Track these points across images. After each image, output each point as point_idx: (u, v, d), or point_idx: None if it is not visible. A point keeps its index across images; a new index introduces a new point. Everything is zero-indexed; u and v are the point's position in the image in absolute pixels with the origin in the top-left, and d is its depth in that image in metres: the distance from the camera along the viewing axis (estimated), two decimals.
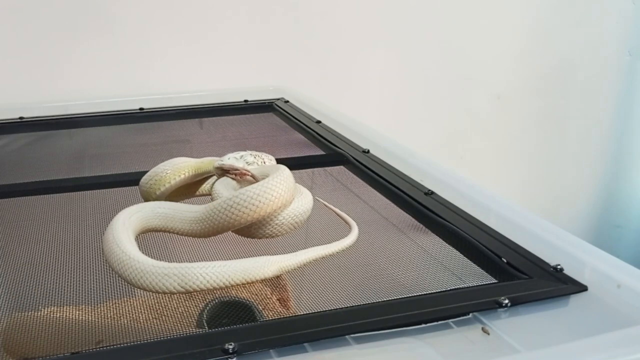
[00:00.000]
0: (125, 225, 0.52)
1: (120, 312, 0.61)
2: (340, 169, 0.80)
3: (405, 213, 0.67)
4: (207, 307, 0.71)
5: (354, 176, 0.78)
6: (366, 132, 0.91)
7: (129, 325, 0.61)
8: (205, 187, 0.68)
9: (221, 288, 0.47)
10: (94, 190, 0.75)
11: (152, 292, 0.47)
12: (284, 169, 0.55)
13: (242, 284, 0.48)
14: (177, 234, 0.57)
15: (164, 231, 0.57)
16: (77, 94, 1.19)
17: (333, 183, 0.79)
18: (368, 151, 0.82)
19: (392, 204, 0.70)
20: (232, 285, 0.48)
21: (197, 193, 0.68)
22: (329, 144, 0.89)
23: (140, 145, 1.04)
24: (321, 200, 0.63)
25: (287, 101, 1.16)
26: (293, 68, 1.36)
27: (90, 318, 0.62)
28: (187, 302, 0.66)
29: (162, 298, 0.63)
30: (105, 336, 0.57)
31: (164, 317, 0.62)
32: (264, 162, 0.62)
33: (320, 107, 1.07)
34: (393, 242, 0.69)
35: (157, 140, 1.08)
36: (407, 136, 1.42)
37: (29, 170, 0.91)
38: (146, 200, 0.65)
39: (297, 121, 1.03)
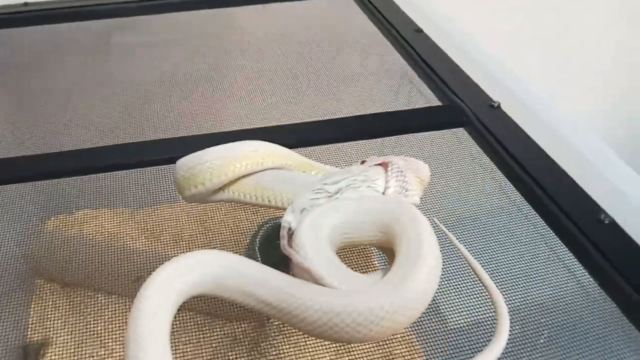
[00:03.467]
0: (159, 316, 0.33)
1: None
2: (457, 134, 0.56)
3: None
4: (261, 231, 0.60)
5: (479, 148, 0.54)
6: (497, 65, 0.62)
7: None
8: (239, 187, 0.44)
9: None
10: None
11: None
12: (430, 254, 0.33)
13: None
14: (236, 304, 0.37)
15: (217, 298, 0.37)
16: None
17: (445, 160, 0.55)
18: (498, 106, 0.56)
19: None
20: None
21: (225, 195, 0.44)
22: (430, 72, 0.62)
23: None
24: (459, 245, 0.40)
25: None
26: None
27: None
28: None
29: None
30: None
31: None
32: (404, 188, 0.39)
33: (426, 3, 0.76)
34: None
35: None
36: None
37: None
38: (180, 191, 0.44)
39: (383, 21, 0.74)
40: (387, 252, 0.38)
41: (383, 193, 0.39)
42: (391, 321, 0.31)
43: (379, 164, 0.40)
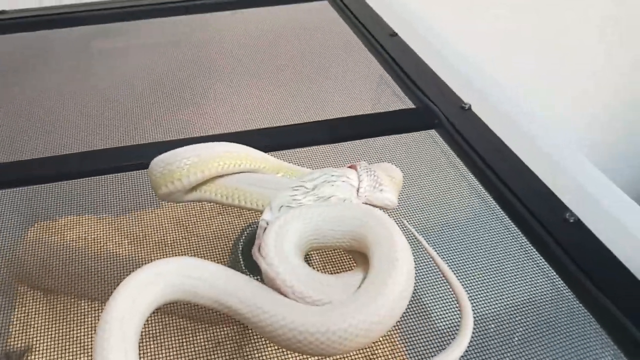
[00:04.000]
0: (125, 327, 0.33)
1: None
2: (428, 135, 0.56)
3: None
4: (244, 235, 0.60)
5: (449, 149, 0.54)
6: (471, 67, 0.63)
7: None
8: (212, 187, 0.44)
9: None
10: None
11: None
12: (403, 264, 0.33)
13: None
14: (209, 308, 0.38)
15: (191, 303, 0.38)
16: None
17: (415, 164, 0.56)
18: (469, 107, 0.57)
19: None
20: None
21: (197, 195, 0.44)
22: (404, 75, 0.63)
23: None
24: (426, 245, 0.41)
25: None
26: None
27: None
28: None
29: None
30: None
31: None
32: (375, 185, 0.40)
33: (401, 8, 0.77)
34: None
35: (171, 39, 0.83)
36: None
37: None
38: (155, 188, 0.44)
39: (359, 25, 0.75)
40: (355, 255, 0.39)
41: (358, 188, 0.40)
42: (365, 337, 0.31)
43: (350, 166, 0.42)
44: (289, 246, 0.37)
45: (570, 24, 1.22)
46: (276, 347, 0.45)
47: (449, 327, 0.42)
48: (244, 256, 0.61)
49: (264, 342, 0.52)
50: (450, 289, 0.39)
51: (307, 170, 0.44)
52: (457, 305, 0.37)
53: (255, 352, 0.52)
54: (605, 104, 1.39)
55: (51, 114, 0.70)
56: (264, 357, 0.49)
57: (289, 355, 0.43)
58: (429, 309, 0.44)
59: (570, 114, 1.38)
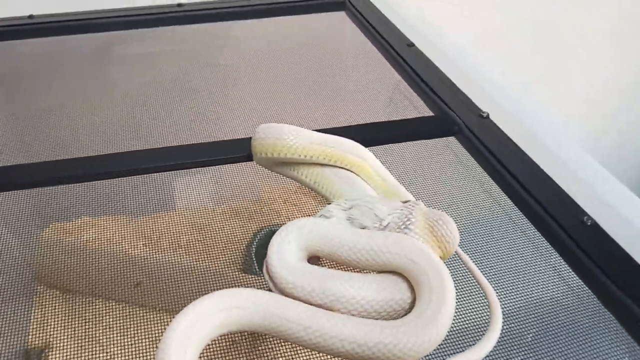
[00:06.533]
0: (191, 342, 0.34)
1: None
2: (447, 142, 0.58)
3: None
4: (257, 238, 0.62)
5: (469, 156, 0.56)
6: (486, 77, 0.66)
7: None
8: (306, 169, 0.47)
9: None
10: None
11: None
12: (450, 301, 0.35)
13: None
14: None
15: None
16: None
17: (437, 167, 0.58)
18: (487, 116, 0.59)
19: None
20: None
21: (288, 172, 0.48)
22: (422, 84, 0.65)
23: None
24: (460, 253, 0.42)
25: None
26: None
27: None
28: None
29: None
30: None
31: None
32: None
33: (417, 19, 0.79)
34: None
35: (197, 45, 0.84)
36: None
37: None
38: (257, 152, 0.48)
39: (376, 35, 0.77)
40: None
41: (383, 222, 0.38)
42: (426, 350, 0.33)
43: (404, 202, 0.40)
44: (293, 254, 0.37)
45: (585, 26, 1.22)
46: (289, 347, 0.46)
47: (461, 331, 0.43)
48: (257, 258, 0.62)
49: (277, 342, 0.52)
50: (481, 292, 0.40)
51: (403, 192, 0.45)
52: (487, 304, 0.39)
53: (269, 351, 0.52)
54: (615, 106, 1.40)
55: (70, 118, 0.71)
56: (278, 356, 0.50)
57: (302, 355, 0.43)
58: None
59: (584, 116, 1.38)
